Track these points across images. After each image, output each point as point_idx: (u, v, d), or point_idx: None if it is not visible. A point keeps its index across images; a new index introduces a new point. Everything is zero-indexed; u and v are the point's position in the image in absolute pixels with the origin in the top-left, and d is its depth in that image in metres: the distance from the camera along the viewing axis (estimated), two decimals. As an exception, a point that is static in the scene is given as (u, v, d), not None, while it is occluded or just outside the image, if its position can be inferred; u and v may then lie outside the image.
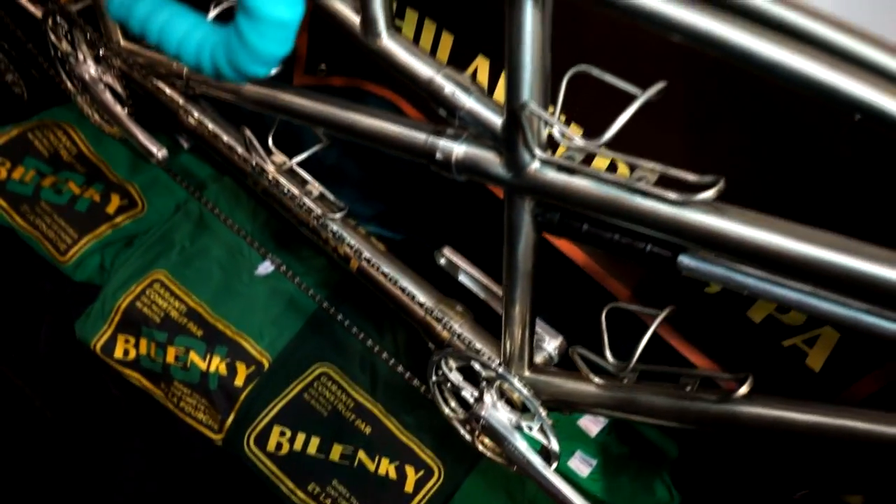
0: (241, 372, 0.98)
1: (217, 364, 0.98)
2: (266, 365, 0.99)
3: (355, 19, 0.59)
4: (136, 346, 1.01)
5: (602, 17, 0.64)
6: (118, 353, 1.01)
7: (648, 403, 0.62)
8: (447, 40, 0.86)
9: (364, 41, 0.59)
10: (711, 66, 0.59)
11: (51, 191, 1.06)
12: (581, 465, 1.00)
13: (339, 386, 0.98)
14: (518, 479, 0.96)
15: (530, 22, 0.46)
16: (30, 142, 1.09)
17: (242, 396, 0.97)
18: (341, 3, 0.60)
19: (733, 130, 0.65)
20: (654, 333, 0.85)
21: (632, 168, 0.52)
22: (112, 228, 1.06)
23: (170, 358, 0.99)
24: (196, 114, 0.82)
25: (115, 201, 1.07)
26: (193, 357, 0.98)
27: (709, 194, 0.46)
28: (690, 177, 0.47)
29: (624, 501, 0.96)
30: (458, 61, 0.86)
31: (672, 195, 0.47)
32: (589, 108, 0.74)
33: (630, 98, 0.48)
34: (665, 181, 0.49)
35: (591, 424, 1.03)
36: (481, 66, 0.84)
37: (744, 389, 0.55)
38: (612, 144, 0.74)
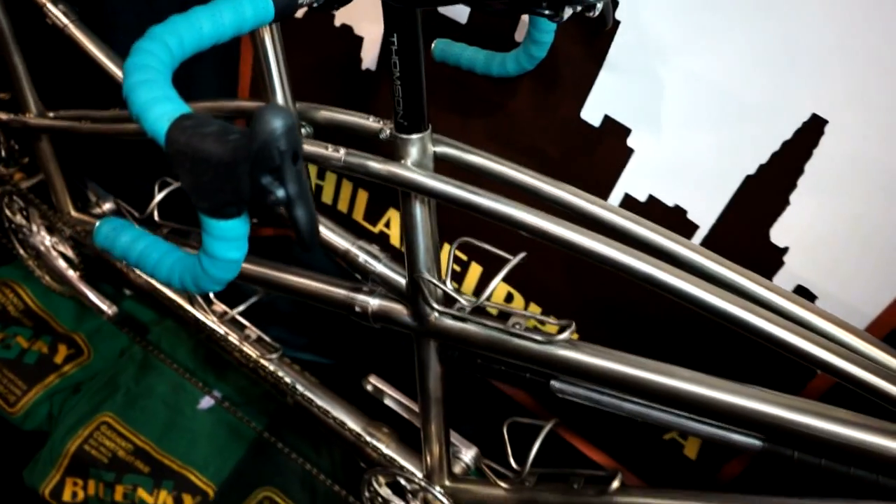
0: (188, 503, 1.05)
1: (164, 498, 1.05)
2: (211, 494, 1.06)
3: (283, 204, 0.73)
4: (84, 488, 1.06)
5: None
6: (66, 497, 1.06)
7: (545, 502, 0.73)
8: (363, 196, 1.01)
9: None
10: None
11: (0, 346, 1.14)
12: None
13: (282, 508, 1.06)
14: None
15: (419, 214, 0.61)
16: (-21, 301, 1.17)
17: (190, 528, 1.04)
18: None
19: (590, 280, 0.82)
20: (558, 436, 0.98)
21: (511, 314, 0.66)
22: (60, 377, 1.13)
23: (118, 496, 1.05)
24: (144, 274, 0.93)
25: (63, 351, 1.15)
26: (141, 493, 1.04)
27: (564, 335, 0.60)
28: (552, 321, 0.61)
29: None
30: (374, 214, 1.00)
31: (538, 336, 0.61)
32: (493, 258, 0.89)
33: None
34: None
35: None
36: (393, 217, 0.99)
37: (615, 484, 0.67)
38: (517, 286, 0.89)
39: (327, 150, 0.60)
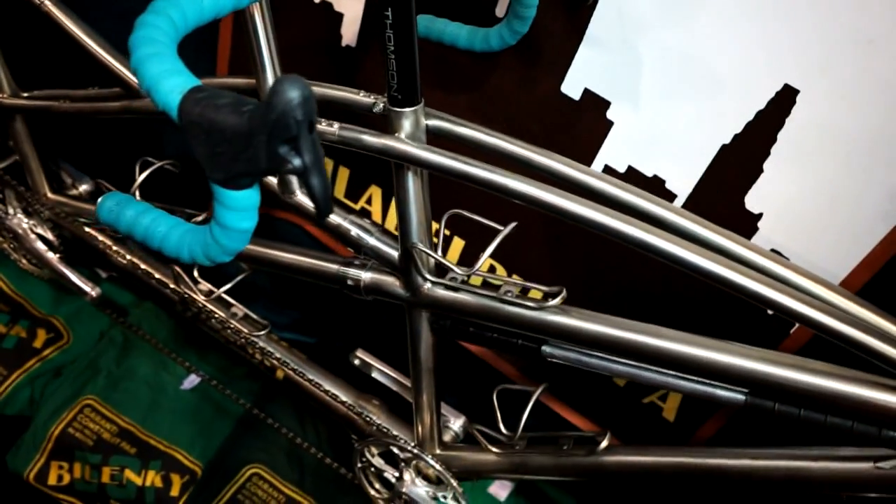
0: (176, 482, 1.06)
1: (152, 478, 1.05)
2: (199, 473, 1.07)
3: (273, 181, 0.73)
4: (70, 471, 1.06)
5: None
6: (52, 480, 1.06)
7: (537, 464, 0.76)
8: (344, 173, 1.01)
9: (282, 198, 0.73)
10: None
11: (-24, 332, 1.12)
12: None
13: (270, 484, 1.07)
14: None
15: (412, 186, 0.62)
16: (-49, 288, 1.15)
17: (179, 506, 1.05)
18: (259, 167, 0.74)
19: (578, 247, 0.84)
20: (542, 404, 1.01)
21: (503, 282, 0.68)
22: (40, 361, 1.12)
23: (105, 478, 1.05)
24: (127, 255, 0.92)
25: (42, 335, 1.14)
26: (129, 474, 1.05)
27: (556, 301, 0.62)
28: (543, 288, 0.63)
29: (533, 554, 1.09)
30: (355, 190, 1.01)
31: (529, 303, 0.63)
32: (474, 232, 0.90)
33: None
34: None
35: (500, 490, 1.16)
36: (374, 193, 1.00)
37: (604, 443, 0.70)
38: (500, 258, 0.91)
39: (321, 125, 0.61)
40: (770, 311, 0.73)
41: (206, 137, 0.39)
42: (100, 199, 0.50)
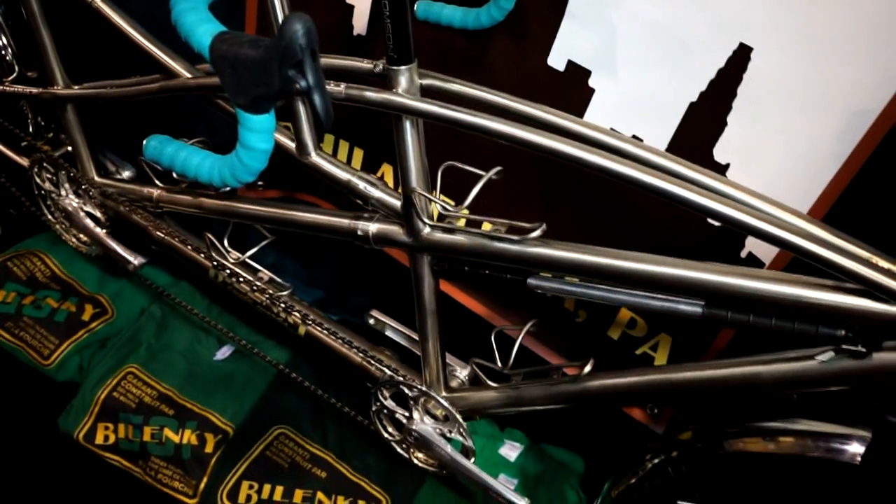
0: (210, 440, 1.15)
1: (189, 437, 1.15)
2: (231, 433, 1.16)
3: (291, 145, 0.84)
4: (115, 431, 1.16)
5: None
6: (99, 440, 1.16)
7: (531, 395, 0.84)
8: (359, 154, 1.11)
9: (299, 159, 0.83)
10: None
11: (31, 307, 1.24)
12: (505, 485, 1.19)
13: (295, 442, 1.16)
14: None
15: (409, 136, 0.72)
16: (9, 269, 1.27)
17: (213, 461, 1.14)
18: (279, 135, 0.85)
19: (557, 191, 0.92)
20: (542, 360, 1.09)
21: (490, 223, 0.76)
22: (88, 333, 1.24)
23: (146, 437, 1.15)
24: (165, 227, 1.03)
25: (89, 310, 1.26)
26: (167, 433, 1.15)
27: (536, 234, 0.71)
28: (525, 225, 0.72)
29: (542, 506, 1.16)
30: (369, 168, 1.11)
31: (514, 237, 0.72)
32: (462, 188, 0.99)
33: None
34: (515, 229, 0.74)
35: (510, 451, 1.24)
36: (387, 171, 1.10)
37: (587, 368, 0.78)
38: (483, 210, 0.99)
39: (329, 86, 0.71)
40: (747, 237, 0.80)
41: (232, 70, 0.49)
42: (145, 141, 0.60)
